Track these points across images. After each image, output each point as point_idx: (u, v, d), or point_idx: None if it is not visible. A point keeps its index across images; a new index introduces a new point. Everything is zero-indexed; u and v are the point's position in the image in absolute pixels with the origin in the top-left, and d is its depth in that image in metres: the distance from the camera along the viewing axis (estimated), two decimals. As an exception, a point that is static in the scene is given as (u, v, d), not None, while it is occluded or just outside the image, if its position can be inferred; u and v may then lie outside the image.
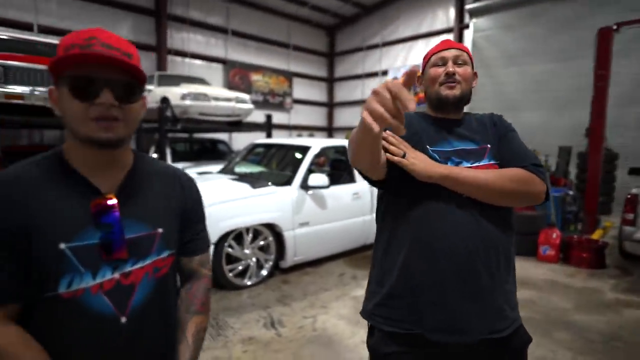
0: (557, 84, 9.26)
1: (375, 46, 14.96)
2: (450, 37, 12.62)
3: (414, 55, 13.80)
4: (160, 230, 0.91)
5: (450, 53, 1.25)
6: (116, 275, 0.84)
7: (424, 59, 1.34)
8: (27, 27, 8.99)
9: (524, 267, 4.67)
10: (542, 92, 9.51)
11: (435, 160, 1.19)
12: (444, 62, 1.25)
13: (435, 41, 13.16)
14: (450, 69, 1.23)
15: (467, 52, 1.28)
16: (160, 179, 0.97)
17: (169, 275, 0.94)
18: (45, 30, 9.20)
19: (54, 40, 7.20)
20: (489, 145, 1.24)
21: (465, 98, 1.26)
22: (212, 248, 3.60)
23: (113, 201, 0.84)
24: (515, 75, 9.97)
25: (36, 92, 5.40)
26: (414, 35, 13.69)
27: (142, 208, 0.90)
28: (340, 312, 3.40)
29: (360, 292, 3.82)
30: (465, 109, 1.34)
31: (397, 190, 1.20)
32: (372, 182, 1.21)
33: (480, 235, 1.13)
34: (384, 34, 14.64)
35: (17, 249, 0.77)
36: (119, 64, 0.79)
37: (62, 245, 0.79)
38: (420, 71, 1.33)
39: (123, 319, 0.84)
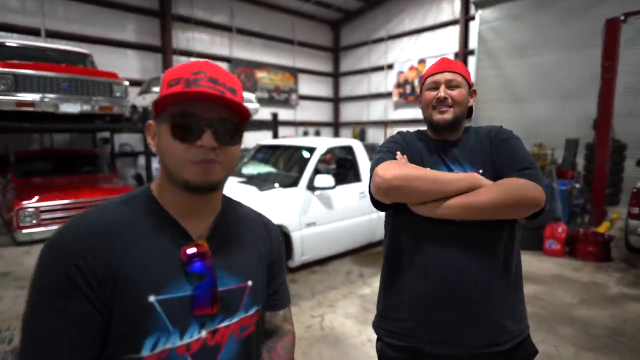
0: (565, 74, 9.16)
1: (381, 40, 14.90)
2: (456, 29, 12.51)
3: (419, 47, 13.72)
4: (249, 283, 0.83)
5: (443, 77, 1.28)
6: (203, 334, 0.75)
7: (422, 78, 1.38)
8: (34, 32, 9.16)
9: (529, 262, 4.70)
10: (549, 83, 9.42)
11: None
12: (436, 85, 1.28)
13: (441, 33, 13.09)
14: (442, 94, 1.26)
15: (462, 73, 1.29)
16: (248, 226, 0.90)
17: (253, 335, 0.85)
18: (52, 34, 9.36)
19: (62, 46, 7.33)
20: (480, 171, 1.25)
21: (458, 121, 1.29)
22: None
23: (205, 248, 0.77)
24: (522, 66, 9.87)
25: (46, 99, 5.53)
26: (420, 28, 13.61)
27: (232, 258, 0.82)
28: (348, 310, 3.48)
29: (367, 290, 3.89)
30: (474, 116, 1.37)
31: (397, 212, 1.27)
32: (380, 207, 1.29)
33: (472, 252, 1.18)
34: (389, 27, 14.56)
35: (100, 301, 0.68)
36: (228, 104, 0.73)
37: (152, 298, 0.70)
38: (419, 91, 1.39)
39: None
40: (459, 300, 1.18)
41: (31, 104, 5.39)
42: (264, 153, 5.74)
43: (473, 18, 11.34)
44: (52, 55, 6.62)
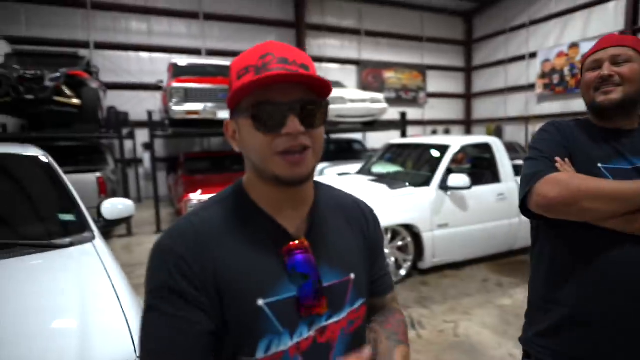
0: None
1: (522, 26, 13.42)
2: (621, 3, 10.53)
3: (570, 31, 11.94)
4: (352, 276, 0.78)
5: (606, 53, 1.10)
6: (312, 332, 0.72)
7: (582, 61, 1.20)
8: (196, 52, 10.83)
9: None
10: None
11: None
12: (598, 64, 1.11)
13: (599, 12, 11.17)
14: (605, 72, 1.08)
15: (633, 46, 1.09)
16: (344, 213, 0.84)
17: (361, 328, 0.80)
18: (210, 52, 10.94)
19: (219, 62, 8.51)
20: None
21: (632, 101, 1.08)
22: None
23: (306, 246, 0.73)
24: None
25: (207, 108, 6.51)
26: (571, 7, 11.83)
27: (332, 251, 0.77)
28: (485, 320, 3.25)
29: (507, 301, 3.57)
30: None
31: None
32: (536, 217, 1.14)
33: None
34: (532, 11, 13.02)
35: (212, 305, 0.66)
36: (304, 81, 0.66)
37: (261, 302, 0.67)
38: (579, 75, 1.21)
39: None
40: None
41: (197, 112, 6.41)
42: (394, 153, 5.72)
43: (647, -12, 9.38)
44: (211, 70, 7.76)
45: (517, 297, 3.65)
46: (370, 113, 8.04)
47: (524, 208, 1.15)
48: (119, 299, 1.43)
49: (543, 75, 12.76)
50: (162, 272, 0.66)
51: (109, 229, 2.41)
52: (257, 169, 0.71)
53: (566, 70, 12.07)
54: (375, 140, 11.65)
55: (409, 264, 4.15)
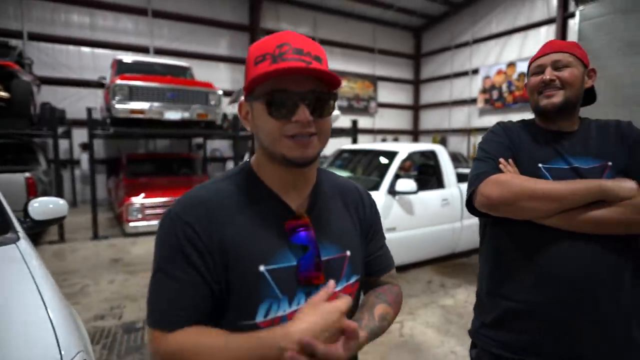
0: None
1: (466, 44, 14.29)
2: (551, 28, 11.56)
3: (509, 50, 12.90)
4: (348, 252, 0.84)
5: (548, 59, 1.17)
6: None
7: (528, 65, 1.27)
8: (144, 50, 10.38)
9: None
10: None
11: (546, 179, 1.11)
12: (541, 69, 1.18)
13: (533, 34, 12.17)
14: (547, 77, 1.14)
15: (573, 52, 1.16)
16: (343, 195, 0.90)
17: (354, 304, 0.85)
18: (158, 51, 10.52)
19: (167, 61, 8.20)
20: (609, 163, 1.11)
21: (571, 104, 1.16)
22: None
23: (307, 221, 0.79)
24: (634, 65, 8.75)
25: (153, 107, 6.23)
26: (509, 29, 12.80)
27: (330, 228, 0.83)
28: (428, 320, 3.36)
29: (450, 301, 3.72)
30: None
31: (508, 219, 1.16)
32: (482, 215, 1.19)
33: (601, 257, 1.06)
34: (475, 30, 13.91)
35: (215, 270, 0.72)
36: (317, 74, 0.72)
37: (262, 268, 0.73)
38: (526, 79, 1.28)
39: None
40: (590, 311, 1.06)
41: (142, 111, 6.12)
42: (344, 159, 5.81)
43: (572, 15, 10.37)
44: (159, 69, 7.47)
45: (459, 297, 3.82)
46: (322, 119, 8.12)
47: (471, 206, 1.20)
48: (46, 307, 1.29)
49: (484, 91, 13.63)
50: (171, 237, 0.72)
51: (37, 230, 2.19)
52: (266, 150, 0.77)
53: (504, 87, 12.98)
54: (327, 147, 11.76)
55: (357, 267, 4.20)
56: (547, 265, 1.09)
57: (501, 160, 1.17)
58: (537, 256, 1.11)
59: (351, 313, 0.83)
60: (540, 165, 1.15)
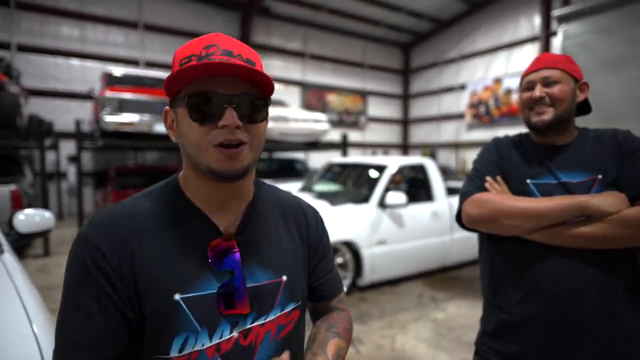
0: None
1: (453, 60, 14.59)
2: (535, 46, 11.88)
3: (494, 67, 13.19)
4: (284, 278, 0.75)
5: (538, 75, 1.17)
6: (235, 333, 0.68)
7: (521, 79, 1.27)
8: (134, 62, 10.37)
9: None
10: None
11: (534, 196, 1.14)
12: (532, 85, 1.19)
13: (518, 52, 12.48)
14: (537, 94, 1.16)
15: (562, 68, 1.16)
16: (284, 213, 0.82)
17: (293, 334, 0.77)
18: (149, 63, 10.53)
19: (157, 73, 8.21)
20: (599, 176, 1.11)
21: (562, 121, 1.16)
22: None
23: (232, 243, 0.70)
24: (615, 82, 8.97)
25: (143, 120, 6.20)
26: (495, 46, 13.12)
27: (264, 251, 0.74)
28: (420, 334, 3.34)
29: (441, 315, 3.71)
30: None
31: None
32: (470, 230, 1.25)
33: (588, 271, 1.07)
34: (461, 47, 14.23)
35: (129, 298, 0.64)
36: (247, 73, 0.64)
37: (177, 297, 0.65)
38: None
39: None
40: (581, 324, 1.07)
41: (131, 124, 6.08)
42: (335, 172, 5.83)
43: (555, 34, 10.69)
44: (149, 81, 7.45)
45: (450, 310, 3.82)
46: (312, 133, 8.17)
47: (461, 222, 1.26)
48: (31, 323, 1.25)
49: (472, 106, 13.88)
50: (78, 262, 0.64)
51: (22, 243, 2.14)
52: (192, 161, 0.68)
53: (491, 102, 13.24)
54: (317, 161, 11.82)
55: (348, 281, 4.18)
56: (533, 279, 1.12)
57: (487, 178, 1.21)
58: (524, 270, 1.14)
59: (292, 347, 0.76)
60: (528, 181, 1.17)
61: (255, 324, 0.71)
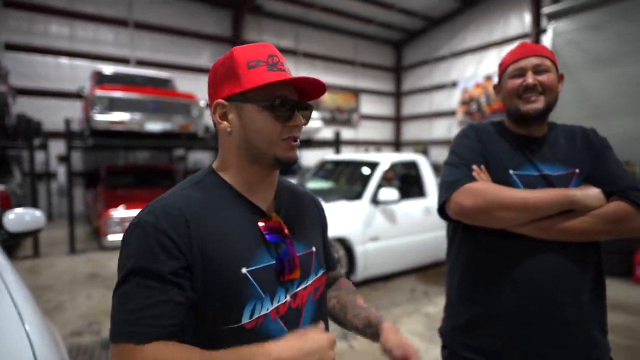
0: (656, 87, 8.28)
1: (444, 58, 14.66)
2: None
3: (485, 64, 13.28)
4: (314, 249, 0.89)
5: (529, 62, 1.14)
6: (288, 298, 0.80)
7: (501, 66, 1.23)
8: (125, 60, 10.27)
9: (617, 290, 4.23)
10: (636, 96, 8.58)
11: (517, 187, 1.13)
12: (522, 72, 1.15)
13: (508, 49, 12.46)
14: (530, 81, 1.13)
15: (549, 56, 1.16)
16: (301, 199, 0.96)
17: (324, 295, 0.92)
18: (140, 62, 10.43)
19: (148, 71, 8.14)
20: (577, 170, 1.14)
21: (549, 110, 1.16)
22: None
23: (279, 220, 0.83)
24: (603, 79, 9.07)
25: (134, 119, 6.15)
26: (486, 43, 13.20)
27: (297, 227, 0.87)
28: (413, 328, 3.38)
29: (433, 309, 3.75)
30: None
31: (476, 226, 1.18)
32: (453, 221, 1.22)
33: (565, 264, 1.10)
34: (452, 44, 14.30)
35: (193, 279, 0.71)
36: (321, 91, 0.83)
37: (244, 270, 0.74)
38: (498, 80, 1.26)
39: None
40: (554, 315, 1.09)
41: (122, 122, 6.03)
42: (327, 169, 5.84)
43: (545, 31, 10.79)
44: (140, 80, 7.39)
45: (442, 304, 3.81)
46: (305, 130, 8.16)
47: (442, 212, 1.22)
48: (23, 322, 1.24)
49: (463, 103, 13.97)
50: (143, 246, 0.69)
51: (11, 243, 2.12)
52: (254, 151, 0.79)
53: (482, 99, 13.33)
54: (310, 159, 11.81)
55: (341, 277, 4.20)
56: (514, 272, 1.12)
57: (474, 167, 1.17)
58: (504, 264, 1.14)
59: (323, 305, 0.91)
60: (511, 171, 1.16)
61: (300, 288, 0.83)
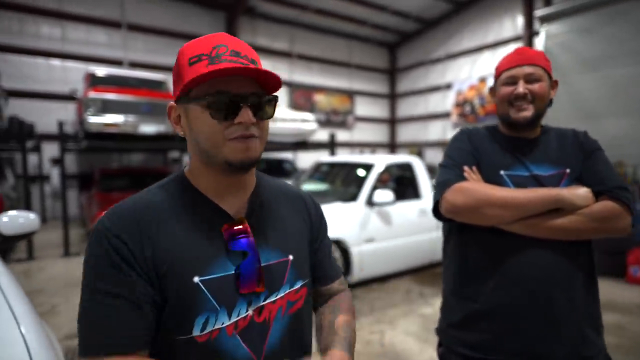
0: (645, 88, 8.40)
1: (438, 60, 14.75)
2: (518, 45, 12.09)
3: (479, 66, 13.38)
4: (290, 257, 0.80)
5: (521, 71, 1.18)
6: (250, 311, 0.73)
7: (496, 70, 1.27)
8: (118, 62, 10.22)
9: (610, 290, 4.28)
10: (626, 98, 8.69)
11: (508, 187, 1.17)
12: (514, 81, 1.19)
13: (502, 51, 12.67)
14: (521, 90, 1.17)
15: (542, 65, 1.19)
16: (285, 198, 0.87)
17: (303, 310, 0.82)
18: (133, 64, 10.39)
19: (141, 73, 8.11)
20: (567, 170, 1.18)
21: (539, 117, 1.21)
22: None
23: (246, 226, 0.75)
24: (594, 81, 9.17)
25: (128, 121, 6.12)
26: (480, 46, 13.31)
27: (271, 232, 0.80)
28: (408, 328, 3.39)
29: (429, 310, 3.77)
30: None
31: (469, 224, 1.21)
32: (447, 220, 1.25)
33: (557, 261, 1.13)
34: (447, 46, 14.39)
35: (151, 284, 0.67)
36: (262, 76, 0.71)
37: (196, 279, 0.69)
38: (493, 83, 1.30)
39: None
40: (544, 310, 1.12)
41: (116, 125, 6.00)
42: (323, 171, 5.85)
43: (537, 33, 10.90)
44: (133, 82, 7.36)
45: (437, 305, 3.85)
46: (300, 132, 8.17)
47: (436, 212, 1.26)
48: (18, 324, 1.24)
49: (457, 105, 14.05)
50: (100, 251, 0.67)
51: (5, 247, 2.10)
52: (205, 155, 0.73)
53: (476, 101, 13.43)
54: (305, 161, 11.82)
55: (337, 278, 4.20)
56: (506, 269, 1.15)
57: (465, 168, 1.22)
58: (497, 261, 1.17)
59: (301, 323, 0.82)
60: (502, 172, 1.20)
61: (267, 301, 0.76)
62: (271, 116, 0.75)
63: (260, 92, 0.73)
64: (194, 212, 0.74)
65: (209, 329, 0.69)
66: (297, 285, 0.81)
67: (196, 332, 0.68)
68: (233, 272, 0.72)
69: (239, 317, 0.72)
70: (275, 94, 0.76)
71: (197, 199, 0.76)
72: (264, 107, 0.73)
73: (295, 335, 0.80)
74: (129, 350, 0.65)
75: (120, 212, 0.71)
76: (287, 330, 0.78)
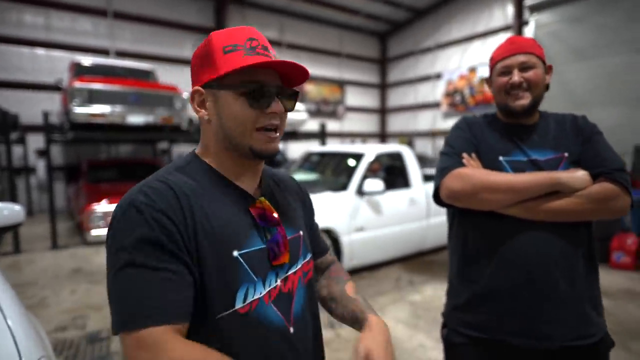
0: (634, 77, 8.51)
1: (428, 49, 14.73)
2: (508, 35, 12.12)
3: (469, 55, 13.39)
4: (301, 232, 0.89)
5: (515, 60, 1.20)
6: (278, 282, 0.79)
7: (490, 61, 1.30)
8: (104, 52, 10.02)
9: (596, 276, 4.38)
10: (617, 87, 8.79)
11: (506, 172, 1.19)
12: (508, 70, 1.22)
13: (492, 41, 12.70)
14: (516, 79, 1.19)
15: (535, 52, 1.21)
16: (282, 183, 0.95)
17: (313, 279, 0.91)
18: (120, 53, 10.19)
19: (129, 63, 7.97)
20: (566, 154, 1.20)
21: (537, 103, 1.23)
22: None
23: (268, 205, 0.82)
24: (584, 70, 9.26)
25: (115, 111, 6.03)
26: (470, 35, 13.30)
27: (284, 211, 0.87)
28: (398, 315, 3.43)
29: (418, 297, 3.82)
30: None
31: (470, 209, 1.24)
32: (448, 206, 1.28)
33: (556, 242, 1.15)
34: (437, 36, 14.37)
35: (189, 259, 0.69)
36: (299, 72, 0.78)
37: (236, 253, 0.73)
38: (489, 74, 1.32)
39: (291, 329, 0.79)
40: (544, 291, 1.15)
41: (102, 115, 5.90)
42: (312, 161, 5.84)
43: (527, 23, 10.92)
44: (120, 71, 7.23)
45: (427, 292, 3.93)
46: (290, 123, 8.12)
47: (437, 198, 1.29)
48: (4, 316, 1.22)
49: (447, 94, 14.08)
50: (140, 226, 0.66)
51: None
52: (229, 139, 0.77)
53: (466, 91, 13.47)
54: (295, 151, 11.78)
55: (328, 268, 4.23)
56: (506, 252, 1.18)
57: (464, 154, 1.25)
58: (498, 244, 1.20)
59: (312, 290, 0.90)
60: (500, 158, 1.23)
61: (290, 272, 0.83)
62: (293, 109, 0.81)
63: (286, 86, 0.79)
64: (219, 192, 0.77)
65: (249, 299, 0.73)
66: (308, 257, 0.89)
67: (239, 304, 0.72)
68: (264, 245, 0.78)
69: (271, 287, 0.77)
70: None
71: (219, 180, 0.79)
72: (290, 100, 0.80)
73: (312, 302, 0.88)
74: (171, 321, 0.63)
75: (157, 189, 0.70)
76: (306, 298, 0.85)
